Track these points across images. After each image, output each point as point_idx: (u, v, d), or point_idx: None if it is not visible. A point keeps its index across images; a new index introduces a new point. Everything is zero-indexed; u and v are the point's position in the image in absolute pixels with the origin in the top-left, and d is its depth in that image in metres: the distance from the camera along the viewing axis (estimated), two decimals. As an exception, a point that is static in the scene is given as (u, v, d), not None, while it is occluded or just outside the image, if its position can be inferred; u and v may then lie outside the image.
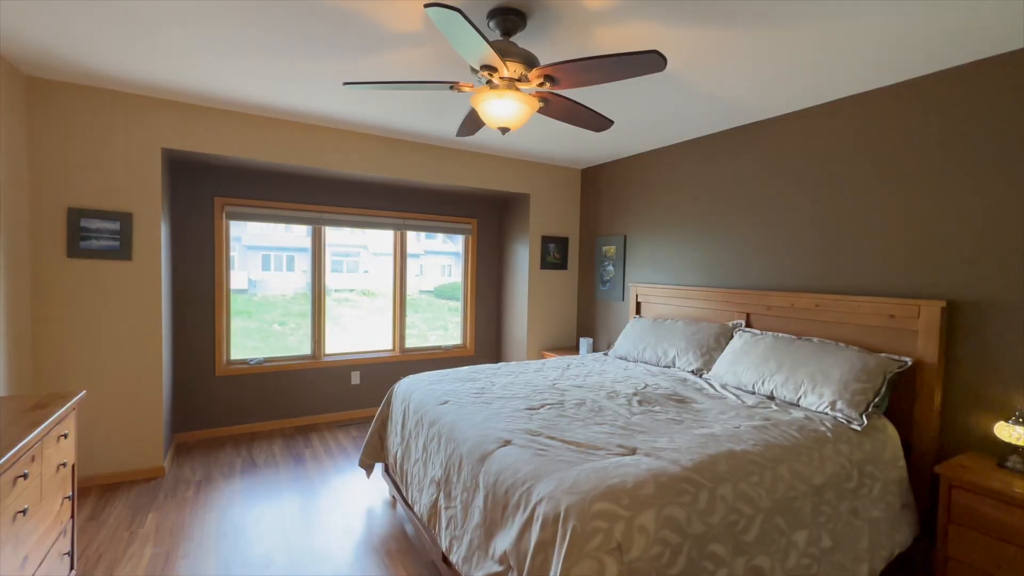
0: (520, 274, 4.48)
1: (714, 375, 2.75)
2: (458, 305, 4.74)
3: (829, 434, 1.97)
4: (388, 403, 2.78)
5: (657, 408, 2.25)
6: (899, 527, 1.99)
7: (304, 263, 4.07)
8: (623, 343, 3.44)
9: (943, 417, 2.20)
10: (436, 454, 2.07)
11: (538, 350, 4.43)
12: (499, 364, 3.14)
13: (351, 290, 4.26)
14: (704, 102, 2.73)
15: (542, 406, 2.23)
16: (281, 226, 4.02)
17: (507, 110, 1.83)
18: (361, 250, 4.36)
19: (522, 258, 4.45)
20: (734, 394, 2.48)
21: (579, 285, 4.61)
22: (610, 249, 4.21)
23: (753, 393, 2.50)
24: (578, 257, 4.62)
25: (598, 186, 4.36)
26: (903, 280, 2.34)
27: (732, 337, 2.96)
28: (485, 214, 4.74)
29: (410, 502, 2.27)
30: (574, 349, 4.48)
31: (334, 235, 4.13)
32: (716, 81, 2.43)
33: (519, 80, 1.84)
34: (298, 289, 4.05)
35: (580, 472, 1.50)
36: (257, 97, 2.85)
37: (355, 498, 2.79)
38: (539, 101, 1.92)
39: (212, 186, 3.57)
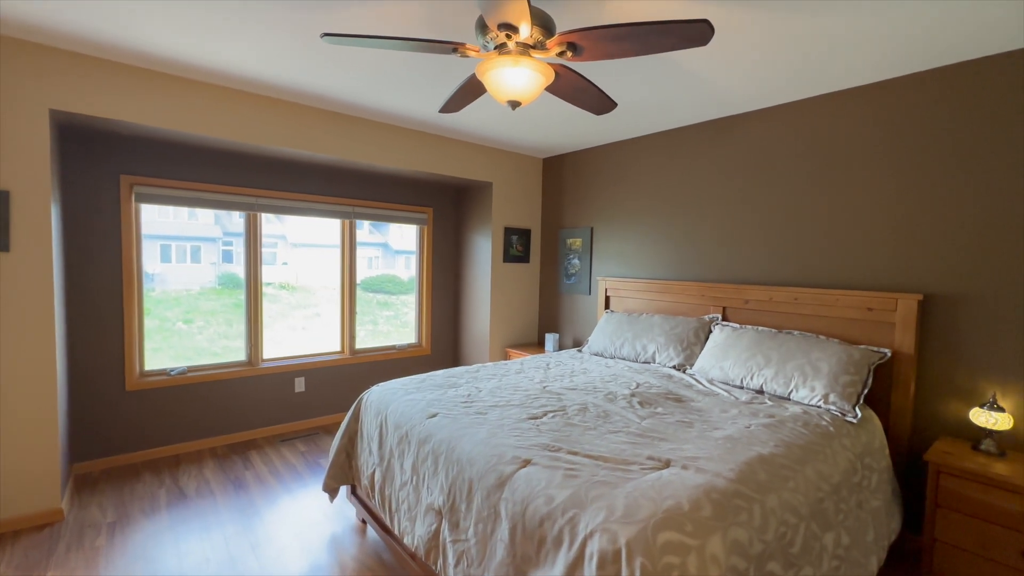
0: (481, 268, 4.23)
1: (699, 370, 2.72)
2: (389, 300, 4.38)
3: (831, 428, 1.98)
4: (356, 416, 2.44)
5: (660, 409, 2.15)
6: (893, 515, 2.05)
7: (212, 254, 3.50)
8: (599, 339, 3.34)
9: (916, 405, 2.32)
10: (433, 477, 1.80)
11: (501, 348, 4.22)
12: (476, 367, 2.90)
13: (269, 284, 3.76)
14: (687, 91, 2.65)
15: (544, 414, 2.03)
16: (184, 212, 3.43)
17: (522, 80, 1.60)
18: (279, 240, 3.84)
19: (483, 251, 4.20)
20: (724, 390, 2.46)
21: (542, 279, 4.45)
22: (575, 242, 4.09)
23: (742, 388, 2.49)
24: (540, 250, 4.47)
25: (561, 176, 4.22)
26: (881, 274, 2.43)
27: (710, 331, 2.96)
28: (442, 203, 4.42)
29: (397, 531, 1.97)
30: (537, 346, 4.34)
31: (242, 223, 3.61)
32: (709, 67, 2.35)
33: (534, 47, 1.60)
34: (205, 283, 3.47)
35: (626, 495, 1.33)
36: (179, 52, 2.33)
37: (315, 526, 2.43)
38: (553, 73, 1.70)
39: (118, 161, 2.93)
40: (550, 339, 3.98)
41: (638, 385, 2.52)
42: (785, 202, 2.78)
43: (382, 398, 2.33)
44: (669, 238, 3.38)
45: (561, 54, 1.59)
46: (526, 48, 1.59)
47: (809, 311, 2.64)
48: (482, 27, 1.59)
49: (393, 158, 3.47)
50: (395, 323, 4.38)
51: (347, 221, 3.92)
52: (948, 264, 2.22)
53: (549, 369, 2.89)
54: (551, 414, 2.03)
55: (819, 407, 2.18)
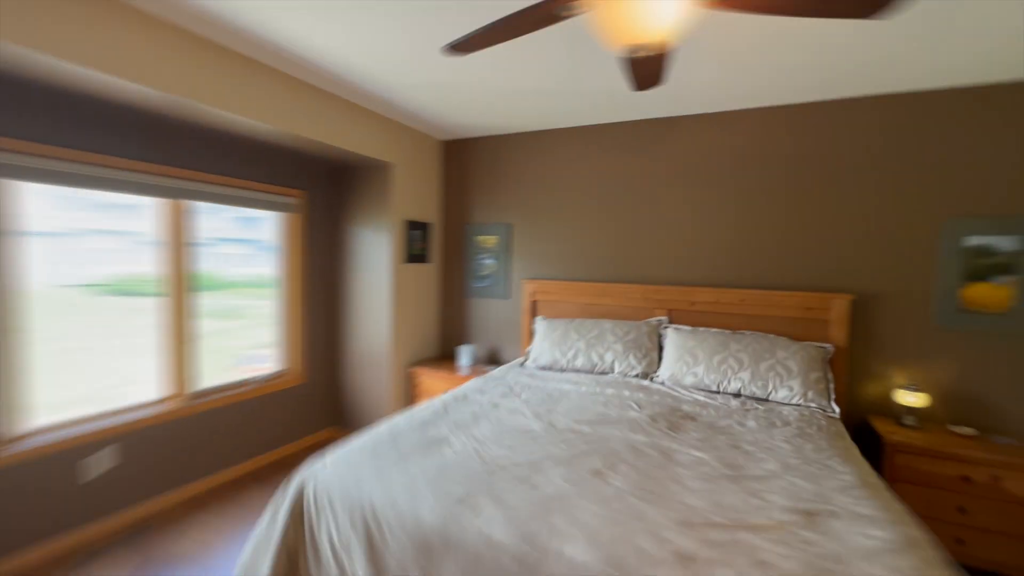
0: (375, 270, 3.38)
1: (669, 378, 2.63)
2: (149, 304, 3.22)
3: (833, 428, 2.07)
4: (299, 519, 1.54)
5: (694, 434, 1.94)
6: (867, 496, 2.28)
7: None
8: (544, 350, 2.98)
9: (847, 391, 2.65)
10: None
11: (405, 368, 3.47)
12: (439, 404, 2.21)
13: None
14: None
15: (603, 468, 1.59)
16: None
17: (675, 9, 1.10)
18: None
19: (377, 248, 3.36)
20: (707, 398, 2.40)
21: (445, 282, 3.83)
22: (488, 240, 3.62)
23: (719, 392, 2.49)
24: (443, 248, 3.83)
25: (467, 164, 3.68)
26: (816, 277, 2.70)
27: (660, 336, 2.91)
28: (317, 186, 3.37)
29: None
30: (442, 361, 3.70)
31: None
32: (683, 60, 2.21)
33: None
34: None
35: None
36: None
37: None
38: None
39: None
40: (465, 352, 3.43)
41: (639, 405, 2.26)
42: (730, 207, 2.89)
43: (347, 482, 1.52)
44: (608, 238, 3.22)
45: None
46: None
47: (755, 311, 2.80)
48: None
49: (254, 110, 2.38)
50: (238, 342, 3.17)
51: (176, 202, 2.60)
52: (867, 268, 2.59)
53: (520, 395, 2.41)
54: (606, 465, 1.60)
55: (801, 405, 2.30)
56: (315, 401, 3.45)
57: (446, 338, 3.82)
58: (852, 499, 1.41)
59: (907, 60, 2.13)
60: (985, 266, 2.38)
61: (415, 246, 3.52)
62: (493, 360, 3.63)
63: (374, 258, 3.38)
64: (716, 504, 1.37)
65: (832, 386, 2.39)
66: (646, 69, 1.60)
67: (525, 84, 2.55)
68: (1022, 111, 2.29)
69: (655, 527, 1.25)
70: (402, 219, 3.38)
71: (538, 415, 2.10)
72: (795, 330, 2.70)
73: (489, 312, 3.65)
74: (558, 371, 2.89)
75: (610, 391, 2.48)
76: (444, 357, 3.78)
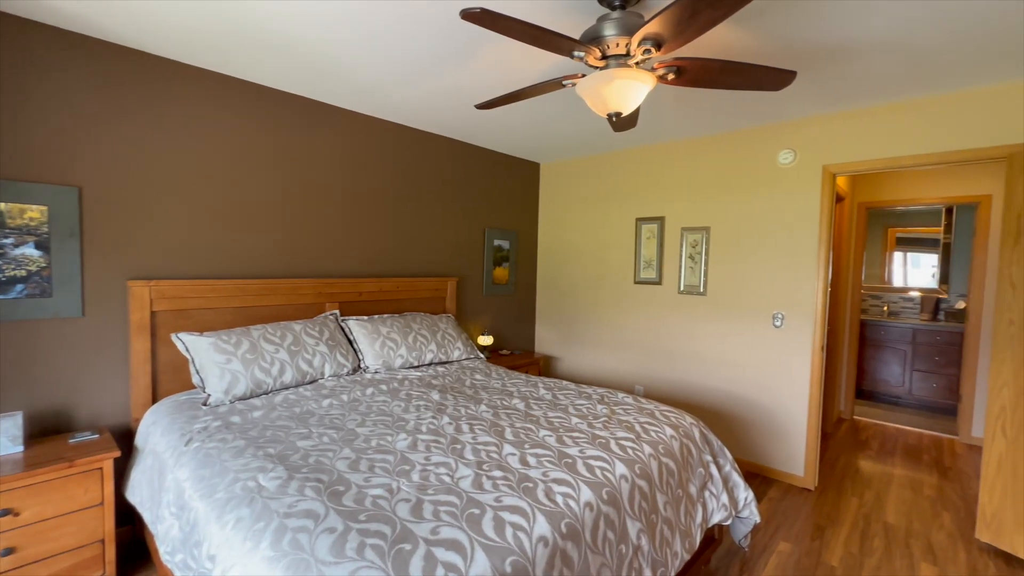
0: None
1: (382, 365, 2.77)
2: None
3: (496, 365, 3.14)
4: None
5: (463, 401, 2.43)
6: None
7: None
8: (237, 374, 2.18)
9: (453, 345, 3.74)
10: None
11: None
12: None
13: None
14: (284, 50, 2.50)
15: (463, 448, 1.89)
16: None
17: (639, 95, 1.70)
18: None
19: None
20: (422, 372, 2.83)
21: None
22: (24, 211, 1.97)
23: (424, 365, 2.94)
24: None
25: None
26: (436, 265, 3.59)
27: (341, 327, 2.88)
28: None
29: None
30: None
31: None
32: (344, 50, 2.22)
33: (640, 63, 1.73)
34: None
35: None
36: None
37: None
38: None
39: None
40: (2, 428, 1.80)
41: (397, 396, 2.38)
42: (380, 205, 3.21)
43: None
44: (272, 227, 2.65)
45: (663, 76, 1.79)
46: (625, 62, 1.70)
47: (404, 295, 3.34)
48: (595, 39, 1.56)
49: None
50: None
51: None
52: (458, 259, 3.78)
53: (269, 473, 1.87)
54: (461, 448, 1.92)
55: (471, 358, 3.20)
56: None
57: None
58: (561, 387, 2.52)
59: (480, 129, 3.40)
60: (500, 257, 4.14)
61: None
62: (63, 427, 2.06)
63: None
64: (557, 427, 2.10)
65: (472, 343, 3.42)
66: (621, 123, 1.96)
67: None
68: (518, 171, 4.14)
69: (534, 458, 1.85)
70: None
71: (318, 491, 1.36)
72: (431, 307, 3.51)
73: (40, 341, 2.01)
74: (264, 395, 2.25)
75: (361, 394, 2.36)
76: None
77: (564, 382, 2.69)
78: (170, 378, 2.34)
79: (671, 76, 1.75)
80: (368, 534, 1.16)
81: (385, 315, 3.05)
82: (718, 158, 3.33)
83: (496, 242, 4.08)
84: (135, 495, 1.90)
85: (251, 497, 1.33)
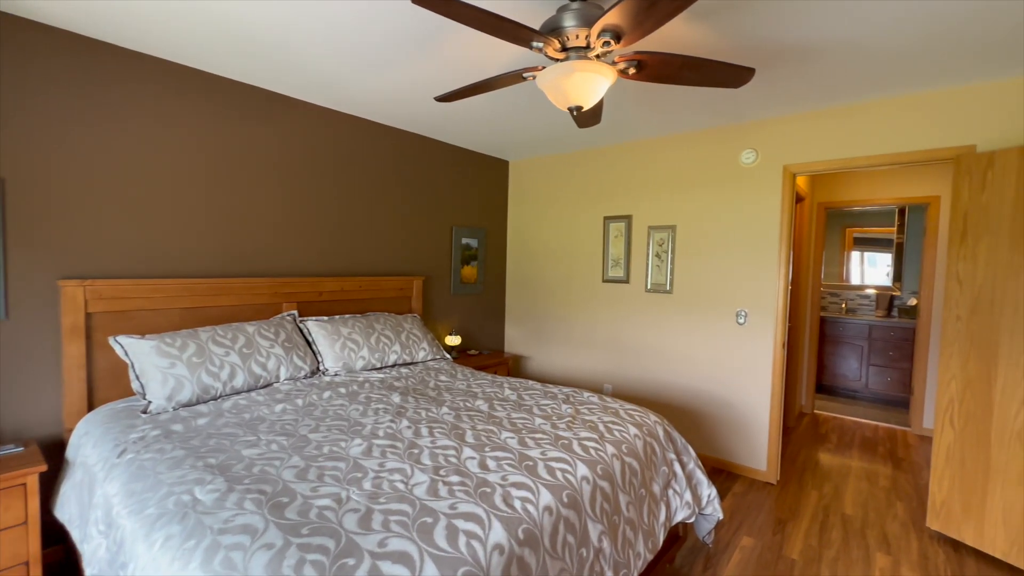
0: None
1: (343, 367, 2.66)
2: None
3: (462, 366, 3.07)
4: None
5: (424, 404, 2.37)
6: (462, 407, 3.39)
7: None
8: (181, 379, 2.05)
9: (419, 346, 3.66)
10: None
11: None
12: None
13: None
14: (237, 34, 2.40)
15: (425, 448, 1.84)
16: None
17: (600, 87, 1.67)
18: None
19: None
20: (383, 374, 2.74)
21: None
22: (-66, 204, 1.79)
23: (387, 367, 2.85)
24: None
25: None
26: (401, 264, 3.49)
27: (299, 328, 2.76)
28: None
29: None
30: None
31: None
32: (298, 37, 2.45)
33: (600, 56, 1.70)
34: None
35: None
36: None
37: None
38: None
39: None
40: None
41: (356, 400, 2.30)
42: (341, 201, 3.10)
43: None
44: (219, 223, 2.51)
45: (623, 70, 1.76)
46: (585, 54, 1.67)
47: (367, 295, 3.24)
48: (554, 30, 1.53)
49: None
50: None
51: None
52: (426, 257, 3.69)
53: (208, 486, 1.77)
54: (418, 454, 1.87)
55: (436, 359, 3.12)
56: None
57: None
58: (527, 387, 2.48)
59: (446, 124, 3.33)
60: (468, 256, 4.07)
61: None
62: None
63: None
64: (520, 429, 2.06)
65: (438, 343, 3.34)
66: (584, 117, 1.90)
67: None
68: (487, 168, 4.07)
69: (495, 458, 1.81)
70: None
71: (259, 503, 1.24)
72: (396, 307, 3.42)
73: (-48, 349, 1.84)
74: (212, 400, 2.12)
75: (300, 401, 2.26)
76: None
77: (530, 382, 2.65)
78: (108, 385, 2.18)
79: (632, 70, 1.73)
80: (309, 549, 1.08)
81: (347, 315, 2.94)
82: (684, 157, 3.36)
83: (464, 240, 4.00)
84: (64, 512, 1.76)
85: (184, 513, 1.23)
